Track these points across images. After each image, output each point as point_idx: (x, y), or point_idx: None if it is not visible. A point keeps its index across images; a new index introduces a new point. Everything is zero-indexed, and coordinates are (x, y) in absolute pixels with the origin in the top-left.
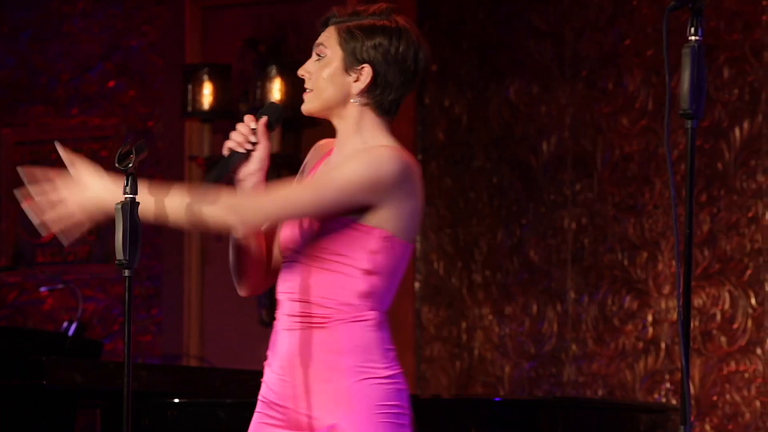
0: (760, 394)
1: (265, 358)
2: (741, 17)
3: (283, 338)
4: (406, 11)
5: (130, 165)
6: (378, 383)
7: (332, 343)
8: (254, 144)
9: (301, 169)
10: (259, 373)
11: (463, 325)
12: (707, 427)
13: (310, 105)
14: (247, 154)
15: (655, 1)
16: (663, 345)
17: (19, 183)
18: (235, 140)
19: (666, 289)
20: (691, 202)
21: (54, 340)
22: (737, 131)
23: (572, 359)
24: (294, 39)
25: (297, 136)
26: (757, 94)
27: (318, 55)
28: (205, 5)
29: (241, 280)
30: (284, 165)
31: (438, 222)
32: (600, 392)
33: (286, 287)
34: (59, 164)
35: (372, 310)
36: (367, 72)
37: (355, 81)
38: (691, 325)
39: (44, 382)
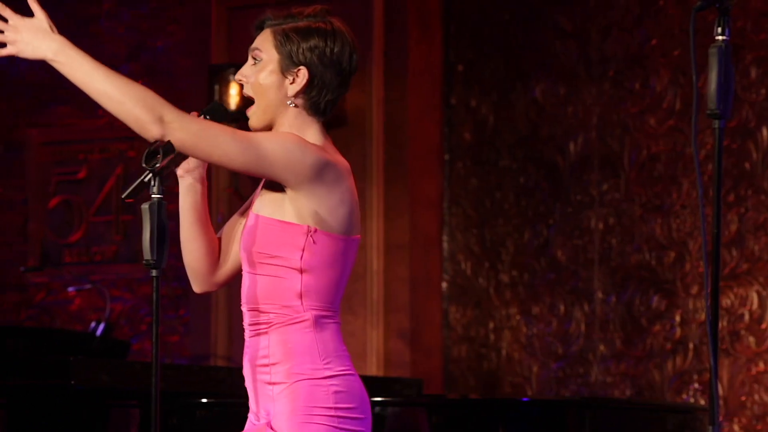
0: None
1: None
2: None
3: (245, 347)
4: (431, 13)
5: (157, 165)
6: (314, 385)
7: (273, 346)
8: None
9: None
10: None
11: (491, 325)
12: (735, 427)
13: (256, 118)
14: (184, 157)
15: (681, 2)
16: (691, 345)
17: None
18: None
19: (694, 290)
20: (719, 202)
21: (81, 340)
22: (764, 131)
23: (600, 359)
24: None
25: None
26: None
27: (254, 59)
28: (230, 5)
29: (191, 271)
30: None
31: (465, 222)
32: (628, 392)
33: (242, 298)
34: (86, 164)
35: (309, 310)
36: (303, 74)
37: (291, 83)
38: (719, 325)
39: (72, 382)
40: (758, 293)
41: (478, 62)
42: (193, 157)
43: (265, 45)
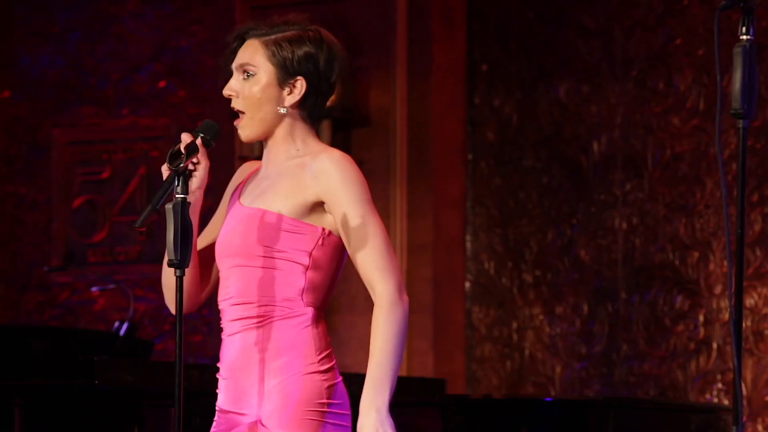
0: None
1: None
2: None
3: (228, 344)
4: (455, 12)
5: (181, 165)
6: (310, 380)
7: (269, 341)
8: (195, 164)
9: (227, 190)
10: None
11: (514, 325)
12: (759, 427)
13: (249, 130)
14: (190, 173)
15: (705, 1)
16: (715, 345)
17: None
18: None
19: (718, 289)
20: (743, 201)
21: (105, 340)
22: None
23: (623, 359)
24: (343, 38)
25: (346, 136)
26: None
27: (246, 72)
28: (253, 5)
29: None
30: None
31: (488, 222)
32: (651, 393)
33: (227, 294)
34: (110, 164)
35: (310, 306)
36: (300, 84)
37: (289, 94)
38: (743, 325)
39: (96, 382)
40: None
41: (502, 61)
42: None
43: (255, 57)
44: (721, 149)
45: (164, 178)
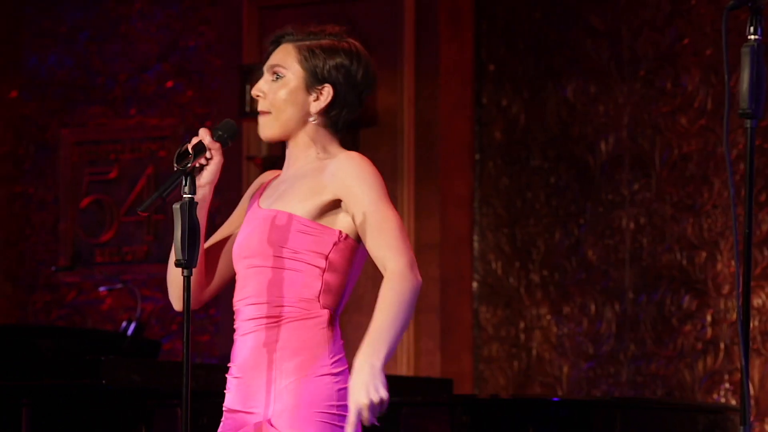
0: None
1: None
2: None
3: (240, 344)
4: (462, 12)
5: (188, 164)
6: (323, 381)
7: (283, 341)
8: (208, 159)
9: (244, 196)
10: None
11: (521, 325)
12: (767, 427)
13: (270, 130)
14: (201, 168)
15: (713, 1)
16: (722, 345)
17: (78, 182)
18: (193, 143)
19: (725, 289)
20: (751, 201)
21: (112, 340)
22: None
23: (631, 359)
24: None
25: (354, 136)
26: None
27: (275, 74)
28: (261, 5)
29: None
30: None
31: (495, 221)
32: (659, 392)
33: (243, 294)
34: (117, 164)
35: (325, 308)
36: (327, 92)
37: (315, 100)
38: (751, 325)
39: (103, 382)
40: None
41: (510, 61)
42: None
43: (287, 60)
44: (729, 149)
45: (175, 168)
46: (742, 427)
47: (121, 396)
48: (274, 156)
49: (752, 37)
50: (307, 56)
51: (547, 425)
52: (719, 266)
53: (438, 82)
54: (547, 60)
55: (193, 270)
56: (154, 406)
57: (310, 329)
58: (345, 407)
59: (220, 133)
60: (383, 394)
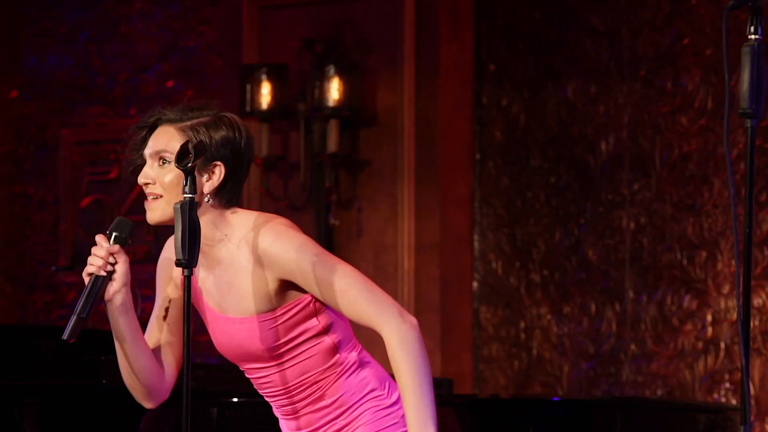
0: None
1: None
2: None
3: (290, 423)
4: (462, 12)
5: (189, 164)
6: (383, 414)
7: (335, 401)
8: (113, 264)
9: (161, 271)
10: None
11: (522, 324)
12: (767, 427)
13: (159, 213)
14: (110, 275)
15: (713, 0)
16: (722, 345)
17: (78, 182)
18: (95, 265)
19: (725, 289)
20: (751, 201)
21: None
22: None
23: (631, 359)
24: (351, 38)
25: (354, 136)
26: None
27: (162, 159)
28: (261, 5)
29: (146, 389)
30: (342, 164)
31: (496, 222)
32: (659, 392)
33: (263, 388)
34: (117, 164)
35: (348, 354)
36: (219, 170)
37: (207, 180)
38: (751, 324)
39: (103, 382)
40: None
41: (510, 61)
42: None
43: (171, 144)
44: (729, 149)
45: (85, 283)
46: (742, 427)
47: (121, 396)
48: (274, 156)
49: (752, 36)
50: (192, 136)
51: (548, 425)
52: (719, 266)
53: (438, 82)
54: (547, 60)
55: (150, 369)
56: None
57: (351, 378)
58: None
59: (116, 234)
60: None
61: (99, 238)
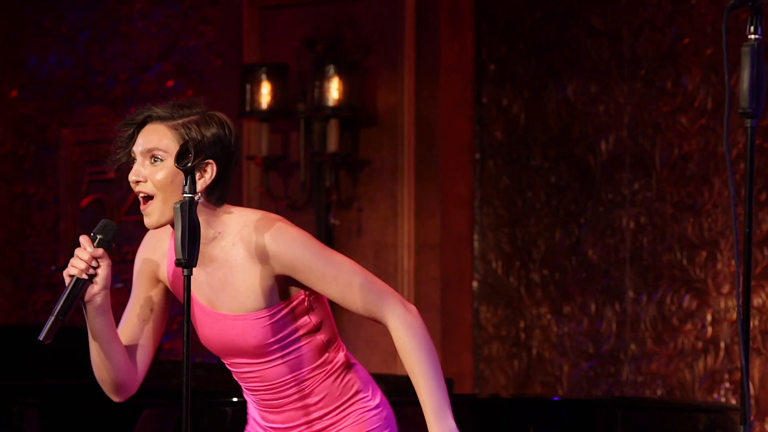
0: None
1: None
2: None
3: (269, 416)
4: (463, 11)
5: (189, 164)
6: (366, 417)
7: (321, 399)
8: (95, 267)
9: (140, 261)
10: None
11: (522, 324)
12: (767, 427)
13: (156, 216)
14: (91, 278)
15: (713, 0)
16: (722, 344)
17: (78, 182)
18: (78, 267)
19: (725, 289)
20: (751, 201)
21: None
22: None
23: (631, 359)
24: (351, 38)
25: (354, 135)
26: None
27: (154, 158)
28: (262, 5)
29: (117, 385)
30: (342, 164)
31: (496, 221)
32: (659, 392)
33: (249, 383)
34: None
35: (337, 354)
36: (212, 168)
37: (200, 179)
38: (751, 324)
39: None
40: None
41: (510, 61)
42: None
43: (163, 142)
44: (730, 149)
45: (66, 283)
46: (742, 427)
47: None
48: (274, 156)
49: (752, 36)
50: (184, 134)
51: (548, 425)
52: (719, 265)
53: (438, 82)
54: (547, 60)
55: (121, 366)
56: (154, 406)
57: (339, 380)
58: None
59: (100, 237)
60: None
61: (83, 239)
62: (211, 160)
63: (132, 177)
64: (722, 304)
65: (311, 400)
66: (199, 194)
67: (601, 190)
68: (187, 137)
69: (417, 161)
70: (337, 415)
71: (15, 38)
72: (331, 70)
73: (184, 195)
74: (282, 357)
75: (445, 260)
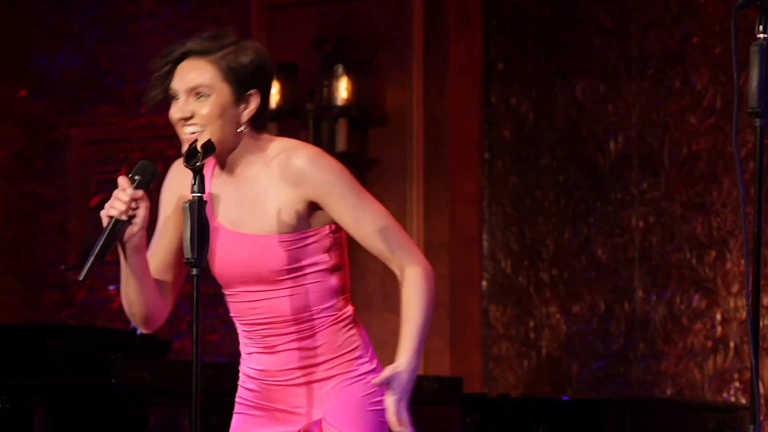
0: None
1: None
2: None
3: (264, 358)
4: (471, 10)
5: (198, 163)
6: (363, 380)
7: (319, 347)
8: (135, 209)
9: (166, 194)
10: None
11: (531, 323)
12: None
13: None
14: (130, 220)
15: None
16: (732, 344)
17: (87, 182)
18: (118, 209)
19: (735, 288)
20: (760, 200)
21: (122, 339)
22: None
23: (640, 358)
24: (360, 37)
25: (363, 135)
26: None
27: (198, 94)
28: (270, 4)
29: (147, 318)
30: (351, 164)
31: (504, 220)
32: (668, 392)
33: (253, 316)
34: (126, 163)
35: (347, 305)
36: (255, 98)
37: (245, 110)
38: (761, 323)
39: (113, 381)
40: None
41: (518, 60)
42: None
43: (207, 77)
44: (738, 148)
45: (104, 224)
46: (751, 426)
47: (131, 395)
48: None
49: (761, 35)
50: (226, 68)
51: (557, 424)
52: (729, 265)
53: (447, 81)
54: (555, 59)
55: (151, 299)
56: (163, 405)
57: (342, 331)
58: (382, 402)
59: (138, 178)
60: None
61: (122, 181)
62: (253, 90)
63: (177, 114)
64: (732, 304)
65: (311, 343)
66: (243, 125)
67: (609, 190)
68: (229, 71)
69: (425, 160)
70: (333, 368)
71: (24, 38)
72: (340, 69)
73: (193, 195)
74: (294, 288)
75: (454, 259)
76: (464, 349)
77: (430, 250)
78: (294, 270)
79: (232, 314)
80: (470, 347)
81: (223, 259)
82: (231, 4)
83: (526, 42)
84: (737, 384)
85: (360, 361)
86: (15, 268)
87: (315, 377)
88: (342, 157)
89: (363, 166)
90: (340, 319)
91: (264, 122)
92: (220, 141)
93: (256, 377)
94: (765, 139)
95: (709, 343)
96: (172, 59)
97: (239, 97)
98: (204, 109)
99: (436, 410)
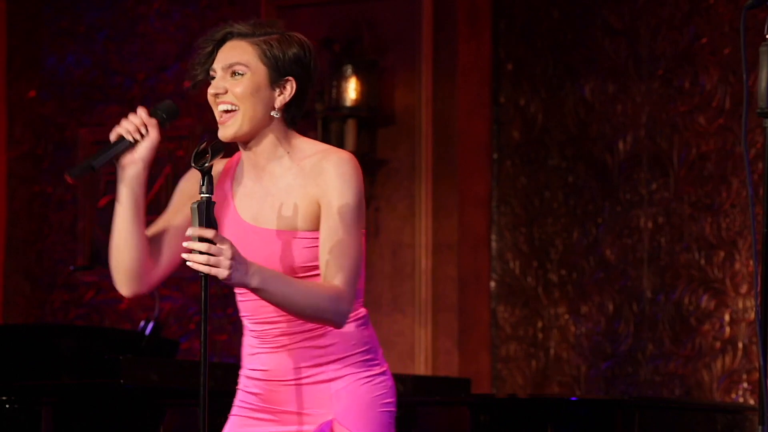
0: None
1: None
2: None
3: (271, 358)
4: (480, 11)
5: (206, 164)
6: (374, 381)
7: (331, 346)
8: (143, 135)
9: (185, 182)
10: None
11: (539, 324)
12: None
13: (236, 128)
14: (134, 143)
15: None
16: (740, 345)
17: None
18: (126, 128)
19: (743, 289)
20: None
21: (130, 339)
22: None
23: (649, 359)
24: (369, 38)
25: (372, 135)
26: None
27: (235, 73)
28: (279, 5)
29: (126, 272)
30: (359, 164)
31: (513, 221)
32: (677, 392)
33: (263, 314)
34: None
35: (360, 306)
36: (291, 85)
37: (279, 95)
38: None
39: (121, 381)
40: None
41: (528, 60)
42: None
43: (244, 57)
44: (747, 148)
45: (111, 140)
46: (760, 427)
47: (139, 395)
48: None
49: None
50: (266, 51)
51: (566, 425)
52: (737, 265)
53: (456, 82)
54: (565, 59)
55: (139, 252)
56: (171, 406)
57: (355, 332)
58: (392, 403)
59: (159, 111)
60: (223, 275)
61: (141, 109)
62: (290, 78)
63: (212, 90)
64: (740, 304)
65: (322, 342)
66: (276, 110)
67: (618, 190)
68: (268, 54)
69: (434, 161)
70: (345, 368)
71: (33, 38)
72: (349, 69)
73: (201, 195)
74: None
75: (463, 260)
76: (472, 350)
77: (438, 251)
78: (311, 268)
79: (242, 314)
80: (479, 348)
81: (241, 252)
82: (240, 4)
83: (535, 43)
84: (746, 385)
85: (372, 362)
86: (24, 268)
87: (325, 376)
88: None
89: (372, 167)
90: (353, 319)
91: (296, 116)
92: (251, 120)
93: (261, 378)
94: None
95: (718, 344)
96: (215, 39)
97: (275, 80)
98: (238, 87)
99: (445, 411)
